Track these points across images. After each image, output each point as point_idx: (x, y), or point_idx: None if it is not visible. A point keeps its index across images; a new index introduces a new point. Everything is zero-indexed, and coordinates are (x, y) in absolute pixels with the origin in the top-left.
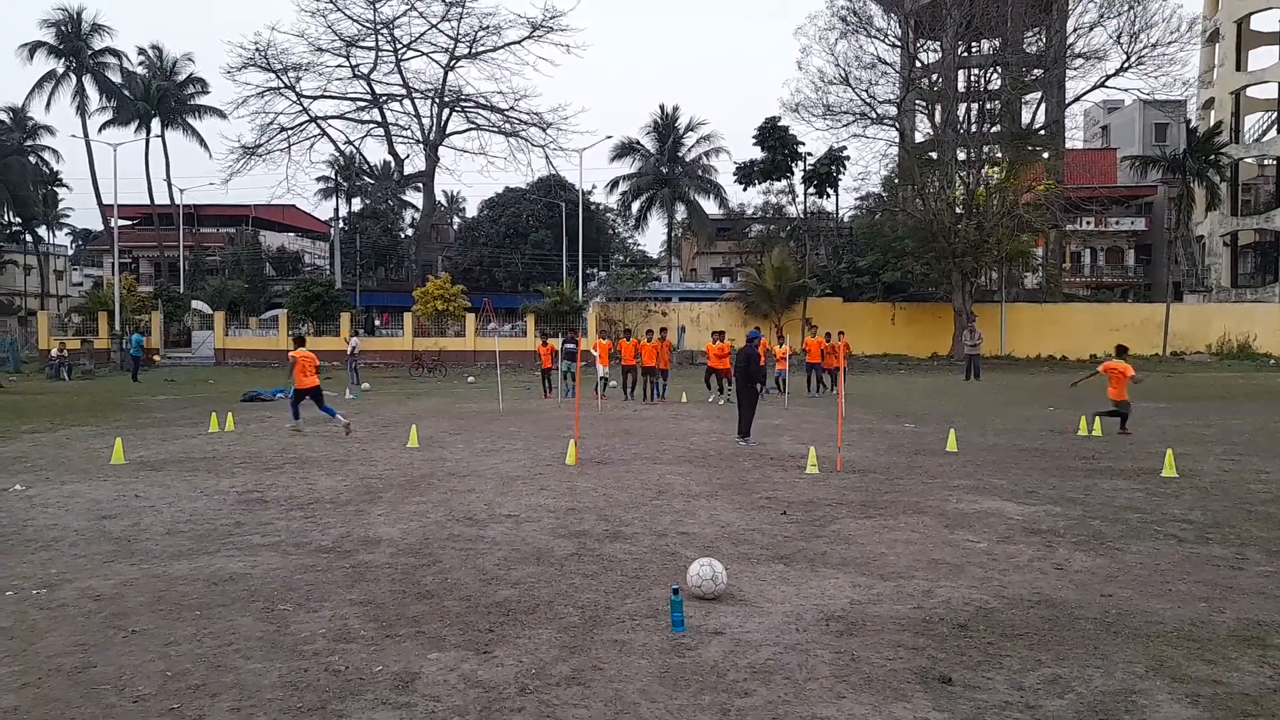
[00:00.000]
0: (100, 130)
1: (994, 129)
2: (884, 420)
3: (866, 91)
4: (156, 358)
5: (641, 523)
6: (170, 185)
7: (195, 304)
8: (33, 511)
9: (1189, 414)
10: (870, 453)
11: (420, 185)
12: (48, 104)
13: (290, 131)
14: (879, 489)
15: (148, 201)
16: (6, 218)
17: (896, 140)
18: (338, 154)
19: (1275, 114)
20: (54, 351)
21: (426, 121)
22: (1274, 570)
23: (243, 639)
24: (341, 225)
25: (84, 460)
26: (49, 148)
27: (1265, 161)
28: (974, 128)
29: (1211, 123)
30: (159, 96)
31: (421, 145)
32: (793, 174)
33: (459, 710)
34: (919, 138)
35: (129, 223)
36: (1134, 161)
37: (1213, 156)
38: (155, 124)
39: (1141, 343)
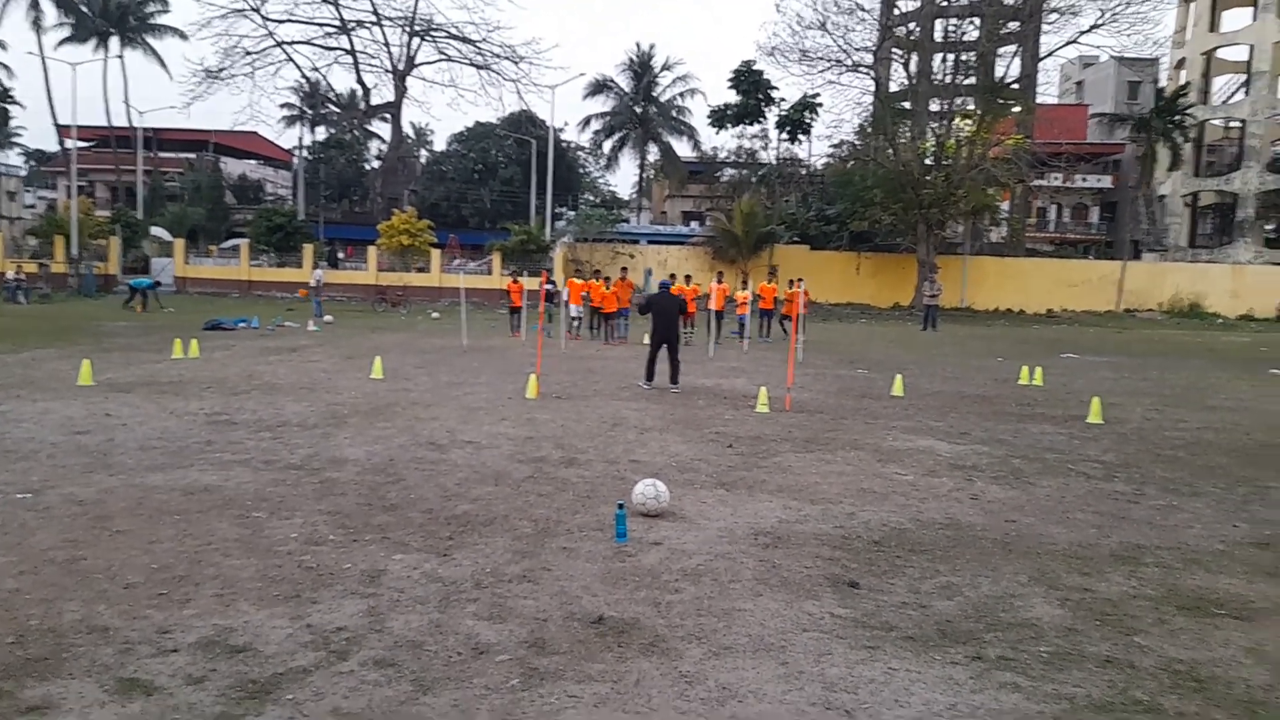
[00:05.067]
0: (57, 48)
1: (968, 81)
2: (838, 366)
3: (843, 38)
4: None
5: (595, 451)
6: (129, 107)
7: (154, 230)
8: (7, 426)
9: (1130, 368)
10: (820, 395)
11: (387, 116)
12: None
13: (254, 56)
14: (822, 427)
15: (105, 123)
16: None
17: (871, 89)
18: (303, 80)
19: (1244, 76)
20: (10, 274)
21: (396, 50)
22: (1166, 504)
23: (220, 540)
24: (305, 154)
25: (52, 380)
26: (1, 64)
27: (1231, 124)
28: (948, 79)
29: (1182, 82)
30: (118, 14)
31: (390, 74)
32: (766, 119)
33: (420, 600)
34: (893, 87)
35: (86, 145)
36: (1103, 119)
37: (1178, 117)
38: (114, 43)
39: (1097, 299)
